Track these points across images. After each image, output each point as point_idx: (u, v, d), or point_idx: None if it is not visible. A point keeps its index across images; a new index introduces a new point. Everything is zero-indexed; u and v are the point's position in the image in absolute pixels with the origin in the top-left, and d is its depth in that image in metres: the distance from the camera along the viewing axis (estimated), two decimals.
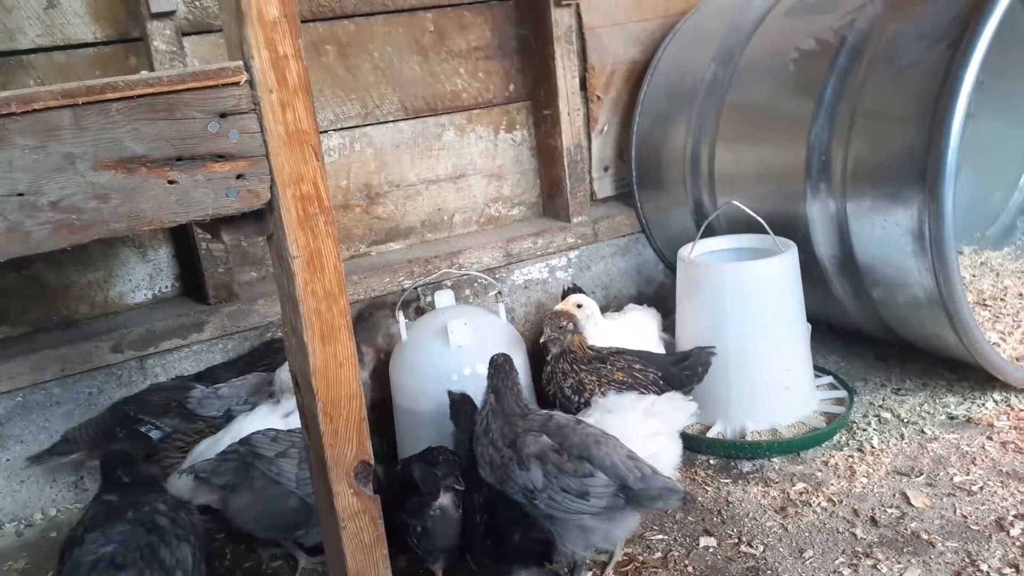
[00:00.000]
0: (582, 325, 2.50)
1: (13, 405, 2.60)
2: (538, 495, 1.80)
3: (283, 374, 2.35)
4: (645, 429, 2.00)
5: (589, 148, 3.43)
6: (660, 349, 2.70)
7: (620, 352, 2.46)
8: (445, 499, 1.94)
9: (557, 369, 2.39)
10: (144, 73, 1.42)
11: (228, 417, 2.38)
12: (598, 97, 3.40)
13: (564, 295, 3.03)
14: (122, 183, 1.33)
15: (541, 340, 2.40)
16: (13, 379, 2.58)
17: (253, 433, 2.17)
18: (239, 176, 1.41)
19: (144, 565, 1.74)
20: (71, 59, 2.68)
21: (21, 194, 1.26)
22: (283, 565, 2.24)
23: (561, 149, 3.25)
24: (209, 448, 2.24)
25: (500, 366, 2.01)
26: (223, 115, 1.38)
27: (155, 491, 1.99)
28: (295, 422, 2.23)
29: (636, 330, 2.72)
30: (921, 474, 2.31)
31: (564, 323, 2.40)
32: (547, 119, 3.29)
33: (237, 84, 1.38)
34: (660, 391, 2.29)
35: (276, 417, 2.25)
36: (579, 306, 2.60)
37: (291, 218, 1.46)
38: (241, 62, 1.39)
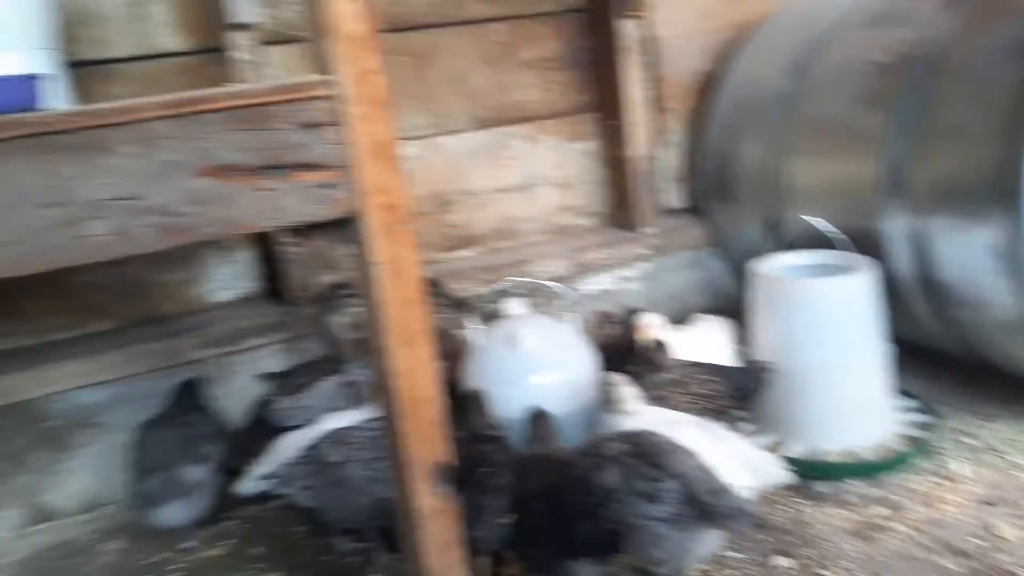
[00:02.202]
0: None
1: (108, 395, 2.75)
2: (613, 498, 1.81)
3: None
4: (737, 479, 1.98)
5: (659, 159, 3.42)
6: (732, 360, 2.66)
7: (693, 364, 2.44)
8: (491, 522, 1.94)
9: (648, 393, 2.37)
10: (236, 85, 1.50)
11: (312, 424, 2.45)
12: (668, 108, 3.39)
13: (626, 316, 3.02)
14: (217, 189, 1.40)
15: (640, 376, 2.38)
16: (108, 370, 2.73)
17: (321, 437, 2.23)
18: (324, 185, 1.47)
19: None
20: (158, 68, 2.82)
21: (125, 198, 1.35)
22: (362, 561, 2.28)
23: (631, 160, 3.25)
24: (285, 449, 2.31)
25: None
26: (309, 127, 1.44)
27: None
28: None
29: (705, 342, 2.69)
30: (1009, 504, 2.22)
31: (659, 355, 2.36)
32: (616, 130, 3.29)
33: (322, 97, 1.44)
34: (734, 402, 2.27)
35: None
36: (653, 326, 2.58)
37: (373, 226, 1.52)
38: (326, 76, 1.45)
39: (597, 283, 3.30)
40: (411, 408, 1.63)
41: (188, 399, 2.57)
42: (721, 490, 1.75)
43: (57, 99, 1.61)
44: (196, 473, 2.41)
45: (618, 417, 2.17)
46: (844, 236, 2.45)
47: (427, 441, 1.66)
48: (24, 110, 1.53)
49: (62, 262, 1.35)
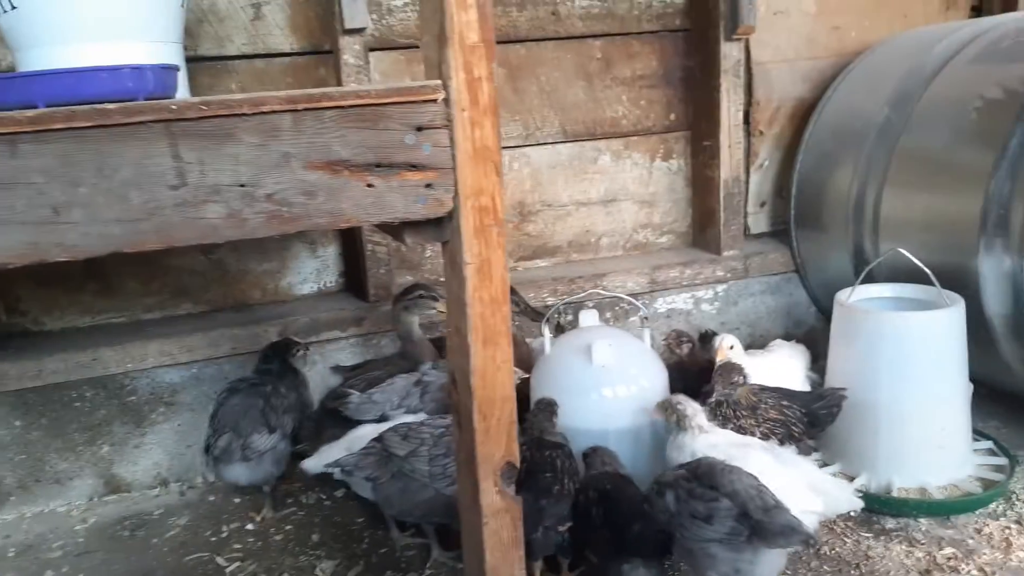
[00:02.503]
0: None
1: (189, 375, 2.87)
2: (673, 520, 1.83)
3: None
4: (804, 503, 1.97)
5: (747, 182, 3.41)
6: (806, 387, 2.64)
7: (765, 389, 2.43)
8: (551, 529, 1.97)
9: (718, 414, 2.39)
10: (354, 86, 1.57)
11: (382, 419, 2.53)
12: (760, 132, 3.37)
13: (701, 338, 3.02)
14: (327, 183, 1.47)
15: (714, 398, 2.40)
16: (191, 352, 2.84)
17: (386, 431, 2.29)
18: (428, 185, 1.53)
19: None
20: (268, 67, 2.95)
21: (243, 185, 1.43)
22: (416, 556, 2.34)
23: (718, 181, 3.24)
24: (353, 443, 2.39)
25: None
26: (419, 129, 1.50)
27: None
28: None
29: (780, 368, 2.67)
30: None
31: (736, 378, 2.39)
32: (706, 150, 3.29)
33: (435, 101, 1.50)
34: (805, 429, 2.25)
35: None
36: (731, 347, 2.58)
37: (468, 227, 1.56)
38: (439, 81, 1.51)
39: (672, 302, 3.30)
40: (486, 407, 1.67)
41: (277, 362, 2.71)
42: (774, 507, 1.75)
43: (182, 90, 1.72)
44: (262, 442, 2.52)
45: (685, 435, 2.19)
46: (927, 270, 2.40)
47: (499, 440, 1.69)
48: (162, 98, 1.64)
49: (177, 241, 1.43)
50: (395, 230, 1.64)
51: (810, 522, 1.98)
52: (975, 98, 2.59)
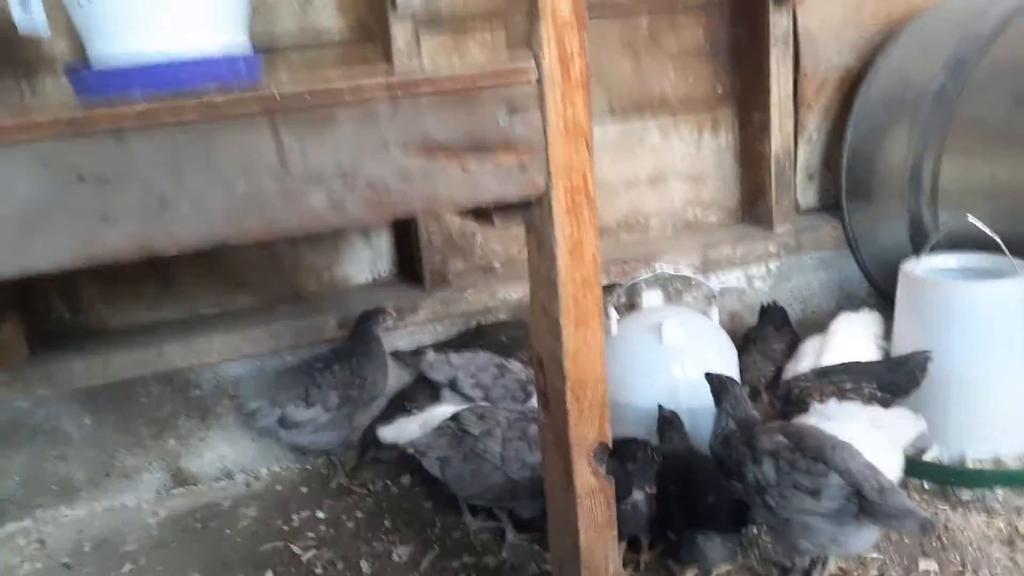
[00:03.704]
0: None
1: (252, 368, 2.89)
2: (769, 491, 1.82)
3: None
4: (868, 441, 1.96)
5: (795, 155, 3.37)
6: (876, 356, 2.62)
7: (825, 373, 2.41)
8: (637, 495, 1.98)
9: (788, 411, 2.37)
10: (447, 69, 1.57)
11: (452, 385, 2.55)
12: (808, 104, 3.34)
13: (762, 312, 3.02)
14: (424, 167, 1.48)
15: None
16: (254, 344, 2.86)
17: (463, 410, 2.32)
18: (521, 166, 1.53)
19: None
20: (318, 54, 2.93)
21: (343, 172, 1.44)
22: (490, 539, 2.36)
23: (769, 155, 3.21)
24: (427, 421, 2.41)
25: (737, 397, 2.02)
26: (513, 110, 1.50)
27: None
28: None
29: (846, 346, 2.65)
30: None
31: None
32: (755, 123, 3.26)
33: (527, 82, 1.50)
34: (880, 404, 2.24)
35: None
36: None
37: (560, 207, 1.56)
38: (532, 61, 1.50)
39: (724, 280, 3.28)
40: (579, 388, 1.67)
41: (357, 336, 2.79)
42: (889, 489, 1.74)
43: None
44: (299, 414, 2.64)
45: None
46: (997, 238, 2.38)
47: (592, 421, 1.70)
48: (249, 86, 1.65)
49: (281, 231, 1.44)
50: (482, 214, 1.65)
51: (891, 459, 1.97)
52: None
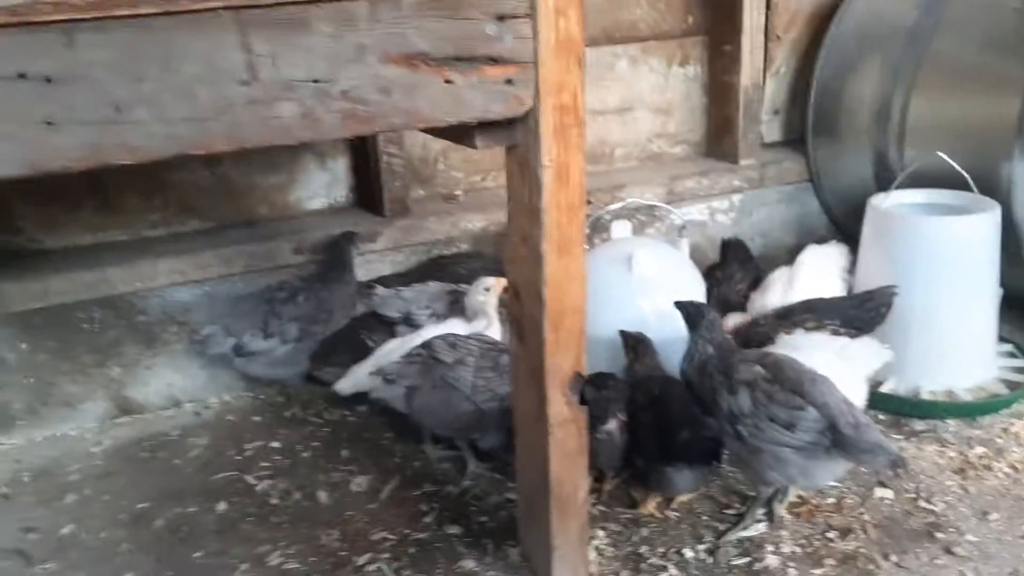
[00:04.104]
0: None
1: (201, 294, 2.76)
2: (743, 421, 1.82)
3: (473, 296, 2.41)
4: (834, 371, 1.97)
5: (763, 89, 3.33)
6: (841, 290, 2.63)
7: (786, 315, 2.41)
8: (612, 424, 1.98)
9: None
10: None
11: (407, 320, 2.48)
12: (778, 36, 3.29)
13: (723, 246, 3.00)
14: (404, 78, 1.38)
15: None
16: (203, 269, 2.73)
17: (434, 338, 2.26)
18: (508, 81, 1.44)
19: None
20: None
21: (317, 80, 1.32)
22: (452, 468, 2.33)
23: (738, 87, 3.17)
24: (396, 349, 2.34)
25: (712, 322, 2.00)
26: (501, 18, 1.41)
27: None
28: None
29: (811, 280, 2.66)
30: None
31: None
32: (725, 55, 3.20)
33: None
34: (852, 332, 2.26)
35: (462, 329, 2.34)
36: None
37: (548, 127, 1.49)
38: None
39: (687, 213, 3.26)
40: (558, 318, 1.63)
41: (327, 262, 2.72)
42: (864, 424, 1.75)
43: None
44: (257, 344, 2.61)
45: None
46: (966, 175, 2.39)
47: (568, 351, 1.66)
48: None
49: (248, 142, 1.33)
50: (462, 133, 1.55)
51: (857, 389, 2.00)
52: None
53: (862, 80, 2.99)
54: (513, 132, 1.53)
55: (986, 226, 2.38)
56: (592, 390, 1.88)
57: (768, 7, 3.23)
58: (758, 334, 2.37)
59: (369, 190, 3.01)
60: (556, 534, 1.75)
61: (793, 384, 1.81)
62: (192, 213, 2.92)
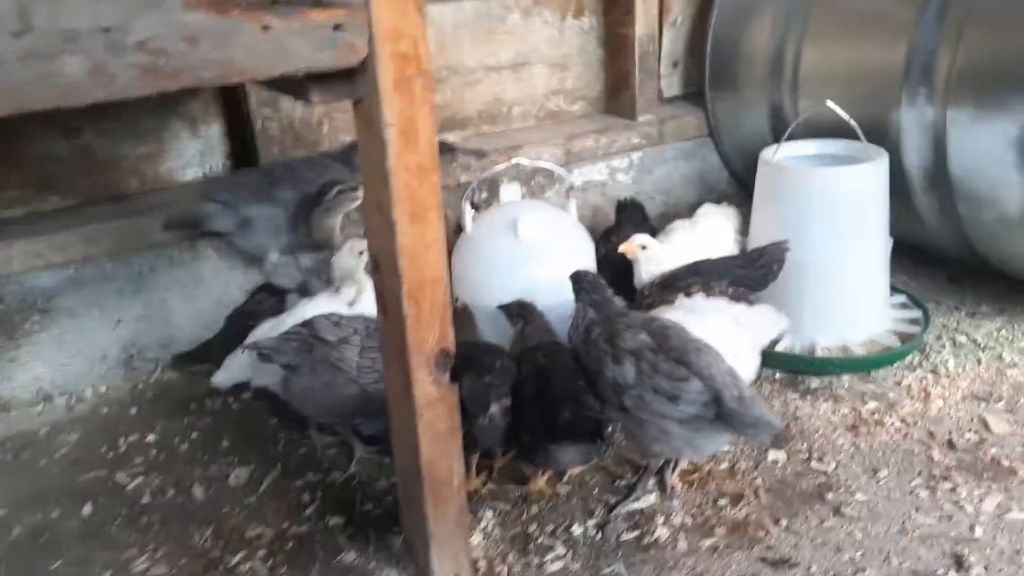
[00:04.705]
0: (641, 268, 2.37)
1: (64, 278, 2.54)
2: (627, 392, 1.73)
3: (343, 259, 2.26)
4: (729, 340, 1.91)
5: (660, 41, 3.23)
6: (735, 251, 2.57)
7: (671, 282, 2.33)
8: (495, 408, 1.87)
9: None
10: None
11: (303, 291, 2.30)
12: None
13: (619, 208, 2.91)
14: (213, 25, 1.21)
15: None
16: (65, 251, 2.51)
17: (316, 316, 2.10)
18: (337, 27, 1.28)
19: None
20: None
21: (107, 29, 1.15)
22: (338, 453, 2.20)
23: (632, 39, 3.05)
24: (271, 329, 2.18)
25: (593, 283, 1.90)
26: None
27: None
28: (360, 311, 2.17)
29: (709, 239, 2.59)
30: (1000, 400, 2.23)
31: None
32: (620, 5, 3.08)
33: None
34: (734, 300, 2.19)
35: (339, 304, 2.17)
36: (644, 247, 2.44)
37: (387, 79, 1.34)
38: None
39: (587, 173, 3.16)
40: (417, 290, 1.49)
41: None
42: (749, 397, 1.68)
43: None
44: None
45: None
46: (855, 124, 2.34)
47: (431, 326, 1.53)
48: None
49: (28, 105, 1.15)
50: (299, 88, 1.39)
51: (749, 359, 1.94)
52: None
53: (757, 29, 2.91)
54: (352, 85, 1.38)
55: (874, 175, 2.34)
56: (472, 379, 1.77)
57: None
58: (649, 299, 2.29)
59: (246, 157, 2.81)
60: (432, 521, 1.64)
61: (678, 353, 1.72)
62: (52, 189, 2.68)
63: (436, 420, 1.59)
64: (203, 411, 2.46)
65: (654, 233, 2.65)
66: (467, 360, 1.86)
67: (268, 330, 2.14)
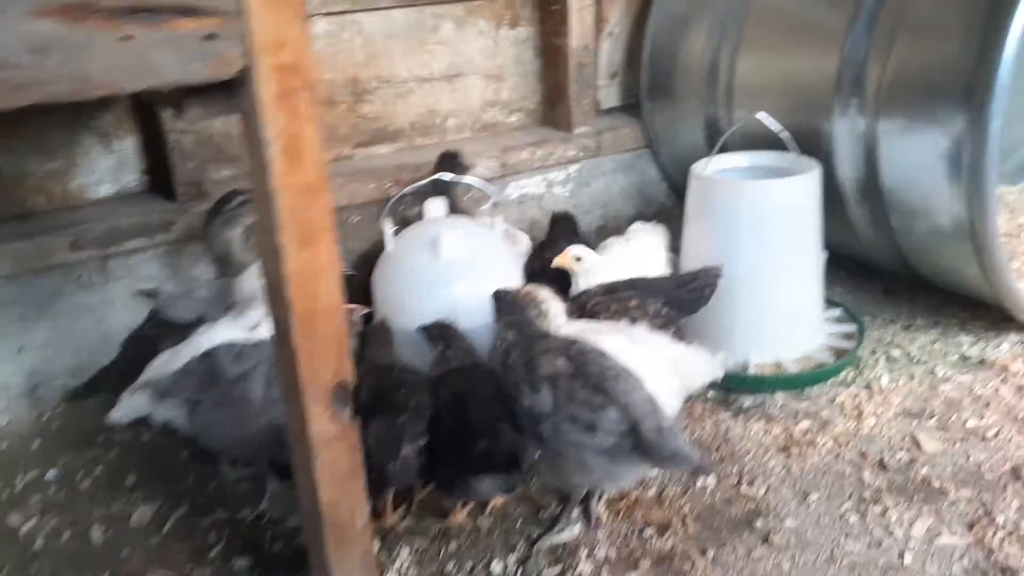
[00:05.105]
0: (579, 280, 2.31)
1: None
2: (544, 420, 1.65)
3: (246, 282, 2.12)
4: (664, 384, 1.83)
5: (596, 51, 3.16)
6: (667, 270, 2.51)
7: (612, 290, 2.26)
8: (407, 450, 1.75)
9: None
10: None
11: (202, 322, 2.16)
12: None
13: (552, 221, 2.83)
14: (65, 35, 1.09)
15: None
16: None
17: (217, 347, 1.96)
18: (208, 37, 1.18)
19: None
20: None
21: None
22: (251, 489, 2.07)
23: (568, 50, 2.99)
24: (169, 361, 2.04)
25: (513, 302, 1.81)
26: None
27: None
28: (264, 334, 2.04)
29: (642, 256, 2.52)
30: (932, 417, 2.19)
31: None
32: (554, 15, 3.01)
33: None
34: (665, 321, 2.12)
35: (241, 330, 2.04)
36: (578, 259, 2.36)
37: (268, 93, 1.24)
38: None
39: (524, 186, 3.08)
40: (308, 320, 1.38)
41: None
42: (668, 429, 1.60)
43: None
44: None
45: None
46: (789, 136, 2.30)
47: (326, 358, 1.42)
48: None
49: None
50: (177, 103, 1.28)
51: (674, 401, 1.87)
52: None
53: (693, 39, 2.87)
54: (233, 99, 1.27)
55: (806, 188, 2.29)
56: (382, 423, 1.66)
57: None
58: (592, 304, 2.21)
59: (163, 173, 2.67)
60: (335, 566, 1.53)
61: (596, 380, 1.63)
62: None
63: (336, 460, 1.48)
64: (111, 443, 2.31)
65: (589, 246, 2.57)
66: (377, 398, 1.77)
67: (165, 362, 2.01)
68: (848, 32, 2.33)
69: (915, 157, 2.24)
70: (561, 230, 2.62)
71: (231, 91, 1.27)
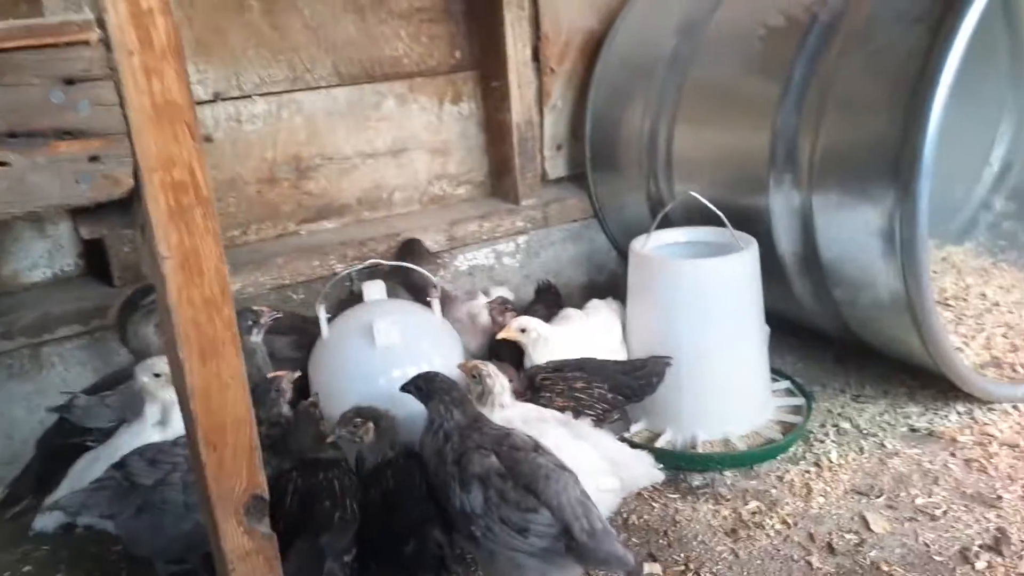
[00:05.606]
0: (530, 352, 2.28)
1: None
2: (475, 521, 1.60)
3: (138, 380, 2.06)
4: (603, 481, 1.80)
5: (541, 124, 3.19)
6: (622, 350, 2.48)
7: (559, 369, 2.24)
8: (332, 566, 1.69)
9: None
10: None
11: (121, 423, 2.09)
12: (551, 69, 3.15)
13: (537, 291, 2.84)
14: None
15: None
16: None
17: (128, 455, 1.89)
18: (93, 158, 1.15)
19: None
20: None
21: None
22: None
23: (511, 124, 3.01)
24: (87, 467, 1.97)
25: (440, 386, 1.78)
26: (70, 82, 1.12)
27: None
28: (174, 431, 1.98)
29: (598, 332, 2.49)
30: (881, 494, 2.16)
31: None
32: (496, 91, 3.04)
33: (87, 43, 1.12)
34: (609, 406, 2.09)
35: (155, 431, 1.98)
36: (523, 331, 2.34)
37: (160, 210, 1.21)
38: (93, 16, 1.12)
39: (473, 258, 3.07)
40: (216, 434, 1.34)
41: None
42: (601, 531, 1.55)
43: None
44: None
45: (483, 409, 1.97)
46: (721, 214, 2.30)
47: (237, 471, 1.37)
48: None
49: None
50: (73, 216, 1.25)
51: (611, 501, 1.84)
52: (759, 26, 2.48)
53: (632, 111, 2.89)
54: (126, 216, 1.24)
55: (742, 265, 2.29)
56: (306, 543, 1.61)
57: (538, 39, 3.08)
58: (542, 379, 2.19)
59: (99, 257, 2.62)
60: None
61: (527, 480, 1.59)
62: None
63: (252, 574, 1.42)
64: (41, 539, 2.21)
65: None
66: (301, 509, 1.71)
67: (82, 469, 1.93)
68: (779, 106, 2.36)
69: (849, 232, 2.25)
70: (543, 300, 2.62)
71: (125, 207, 1.24)
